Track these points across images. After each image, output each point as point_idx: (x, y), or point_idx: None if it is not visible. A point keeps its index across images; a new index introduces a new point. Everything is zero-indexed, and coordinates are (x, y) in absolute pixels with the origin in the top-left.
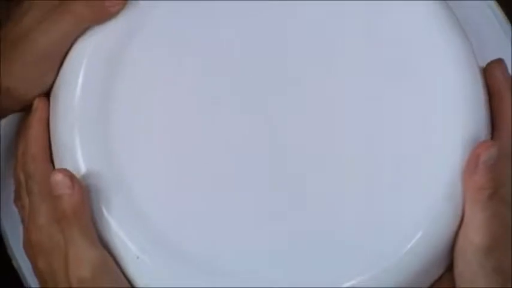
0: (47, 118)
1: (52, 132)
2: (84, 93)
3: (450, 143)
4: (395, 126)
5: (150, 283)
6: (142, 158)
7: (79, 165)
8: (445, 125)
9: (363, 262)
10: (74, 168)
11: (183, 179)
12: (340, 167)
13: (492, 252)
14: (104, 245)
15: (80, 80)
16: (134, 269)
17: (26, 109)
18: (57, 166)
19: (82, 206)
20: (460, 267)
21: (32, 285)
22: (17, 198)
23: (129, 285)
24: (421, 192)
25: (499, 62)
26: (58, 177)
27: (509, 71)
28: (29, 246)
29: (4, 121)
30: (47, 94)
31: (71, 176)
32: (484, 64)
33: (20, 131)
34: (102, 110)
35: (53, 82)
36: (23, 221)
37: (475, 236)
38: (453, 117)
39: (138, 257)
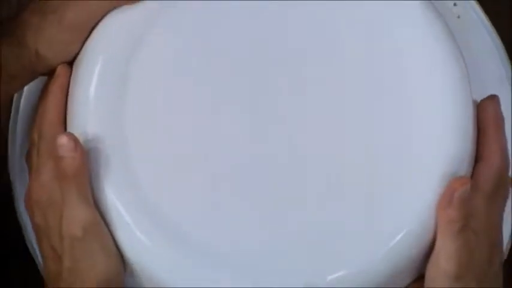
0: (67, 85)
1: (69, 98)
2: (103, 66)
3: (430, 172)
4: (382, 143)
5: (139, 252)
6: (148, 135)
7: (87, 130)
8: (429, 153)
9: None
10: (83, 131)
11: (185, 159)
12: (331, 172)
13: (461, 279)
14: (98, 209)
15: (101, 54)
16: (124, 234)
17: (49, 74)
18: (68, 129)
19: (82, 169)
20: None
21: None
22: (28, 156)
23: (115, 249)
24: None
25: (494, 98)
26: (63, 139)
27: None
28: (29, 201)
29: (26, 87)
30: (70, 63)
31: (75, 140)
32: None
33: (41, 92)
34: (119, 85)
35: (78, 53)
36: (29, 177)
37: (445, 264)
38: (440, 146)
39: (128, 224)
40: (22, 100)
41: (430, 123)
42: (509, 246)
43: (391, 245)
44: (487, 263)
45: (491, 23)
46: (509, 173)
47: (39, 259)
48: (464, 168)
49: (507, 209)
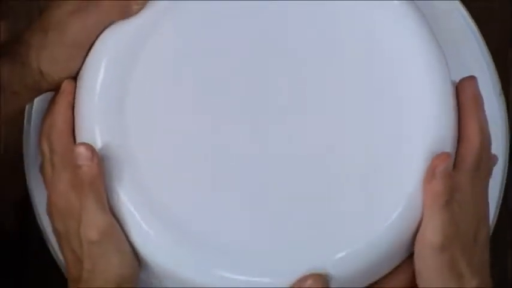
0: (73, 99)
1: (76, 110)
2: (105, 78)
3: (415, 151)
4: (369, 129)
5: (151, 249)
6: (153, 139)
7: (96, 140)
8: (414, 133)
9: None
10: (92, 141)
11: (191, 161)
12: (327, 159)
13: (446, 250)
14: (112, 213)
15: (103, 67)
16: (137, 235)
17: (55, 89)
18: (78, 141)
19: (98, 176)
20: (418, 265)
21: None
22: (42, 167)
23: (131, 250)
24: (389, 191)
25: (471, 78)
26: (80, 149)
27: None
28: (50, 209)
29: (37, 99)
30: (74, 78)
31: (92, 150)
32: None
33: (48, 107)
34: (121, 93)
35: (80, 67)
36: (46, 188)
37: (431, 236)
38: (424, 125)
39: (141, 226)
40: (33, 112)
41: (414, 106)
42: (495, 221)
43: (388, 224)
44: (473, 236)
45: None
46: (491, 150)
47: (62, 262)
48: (449, 147)
49: (495, 186)
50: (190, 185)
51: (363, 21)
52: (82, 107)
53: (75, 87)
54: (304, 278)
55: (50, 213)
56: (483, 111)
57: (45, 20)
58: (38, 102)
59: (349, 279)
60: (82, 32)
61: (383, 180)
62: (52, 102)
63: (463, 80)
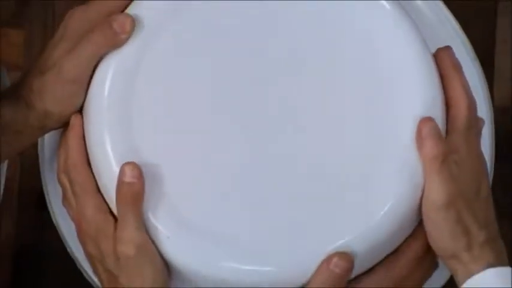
0: (82, 131)
1: (87, 141)
2: (109, 106)
3: (409, 120)
4: (362, 108)
5: (179, 258)
6: (162, 152)
7: (111, 165)
8: (404, 104)
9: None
10: (108, 167)
11: (203, 170)
12: (324, 149)
13: (451, 207)
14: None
15: (106, 96)
16: (166, 247)
17: (61, 127)
18: (93, 168)
19: (140, 195)
20: (428, 228)
21: (85, 268)
22: (65, 199)
23: (163, 262)
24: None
25: (447, 47)
26: (127, 168)
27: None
28: (81, 237)
29: (47, 135)
30: (79, 111)
31: (138, 169)
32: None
33: (60, 143)
34: (126, 117)
35: (83, 101)
36: (72, 218)
37: (435, 195)
38: (412, 97)
39: (168, 237)
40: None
41: (401, 81)
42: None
43: (395, 199)
44: (475, 191)
45: None
46: (477, 109)
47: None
48: (439, 112)
49: (486, 144)
50: (210, 194)
51: (346, 12)
52: (92, 138)
53: (82, 120)
54: (329, 257)
55: (81, 241)
56: (463, 75)
57: (42, 63)
58: (48, 139)
59: (369, 255)
60: (78, 68)
61: (385, 156)
62: (63, 137)
63: (439, 50)
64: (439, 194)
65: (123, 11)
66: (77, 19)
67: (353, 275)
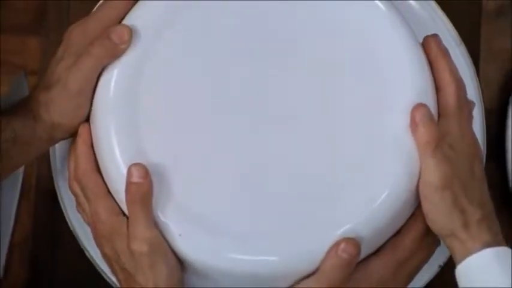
0: (90, 139)
1: (95, 148)
2: (115, 113)
3: (403, 107)
4: (358, 99)
5: (192, 255)
6: (170, 155)
7: (120, 168)
8: (398, 92)
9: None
10: (116, 171)
11: (209, 167)
12: (320, 138)
13: (447, 188)
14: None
15: (110, 104)
16: (179, 244)
17: (68, 137)
18: (103, 173)
19: (149, 194)
20: (425, 209)
21: (103, 268)
22: (78, 206)
23: (176, 258)
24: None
25: (434, 35)
26: (133, 169)
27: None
28: (97, 239)
29: (58, 145)
30: (87, 121)
31: (144, 169)
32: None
33: (69, 152)
34: (131, 122)
35: (89, 111)
36: (87, 222)
37: (431, 178)
38: (402, 85)
39: (180, 235)
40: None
41: (394, 69)
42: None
43: (391, 185)
44: (470, 172)
45: None
46: (466, 90)
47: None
48: (430, 98)
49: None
50: (217, 191)
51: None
52: (100, 145)
53: (90, 129)
54: (337, 243)
55: (97, 243)
56: (451, 60)
57: (47, 78)
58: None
59: (373, 238)
60: (82, 81)
61: (382, 143)
62: (72, 146)
63: (427, 38)
64: (435, 176)
65: (119, 22)
66: (76, 34)
67: (359, 259)
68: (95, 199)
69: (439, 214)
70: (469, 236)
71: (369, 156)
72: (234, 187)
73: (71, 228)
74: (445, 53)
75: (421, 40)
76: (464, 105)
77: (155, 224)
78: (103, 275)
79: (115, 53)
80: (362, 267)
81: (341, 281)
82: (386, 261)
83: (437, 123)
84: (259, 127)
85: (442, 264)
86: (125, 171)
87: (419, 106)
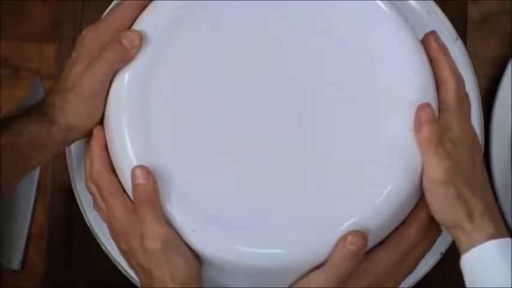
0: (104, 140)
1: (110, 149)
2: (127, 115)
3: (405, 104)
4: (362, 95)
5: (206, 248)
6: (181, 154)
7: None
8: (400, 90)
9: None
10: (130, 169)
11: (219, 165)
12: (326, 136)
13: (451, 182)
14: (168, 224)
15: (123, 106)
16: (192, 239)
17: (83, 138)
18: (118, 173)
19: (154, 193)
20: (430, 201)
21: (120, 263)
22: (95, 204)
23: (190, 252)
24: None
25: (433, 33)
26: (137, 171)
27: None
28: (113, 235)
29: (73, 146)
30: (100, 123)
31: (147, 170)
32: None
33: (85, 154)
34: (144, 122)
35: (103, 114)
36: (105, 220)
37: (435, 173)
38: (405, 82)
39: (194, 231)
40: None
41: (394, 67)
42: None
43: (395, 179)
44: (471, 164)
45: None
46: (465, 86)
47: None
48: (431, 95)
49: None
50: (226, 187)
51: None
52: (114, 146)
53: (103, 130)
54: (344, 236)
55: (114, 239)
56: (450, 56)
57: (62, 82)
58: (75, 149)
59: (379, 230)
60: (95, 85)
61: (386, 139)
62: (88, 147)
63: (426, 35)
64: (438, 171)
65: (130, 27)
66: (89, 39)
67: (367, 249)
68: (110, 198)
69: (444, 207)
70: (474, 227)
71: (373, 151)
72: (243, 183)
73: (88, 225)
74: (445, 49)
75: (419, 37)
76: (463, 99)
77: (168, 222)
78: (120, 269)
79: (126, 58)
80: (369, 258)
81: (349, 272)
82: (392, 251)
83: (438, 121)
84: (266, 125)
85: (443, 251)
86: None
87: (425, 106)
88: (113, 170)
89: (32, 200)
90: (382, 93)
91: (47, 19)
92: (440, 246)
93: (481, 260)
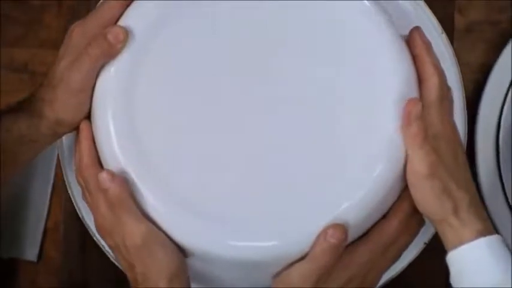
0: (91, 134)
1: (96, 143)
2: (113, 110)
3: (389, 98)
4: (347, 91)
5: (191, 241)
6: (166, 149)
7: (119, 161)
8: (384, 85)
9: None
10: (115, 164)
11: (206, 159)
12: (312, 130)
13: (435, 175)
14: (154, 218)
15: (108, 100)
16: (178, 233)
17: (71, 131)
18: (104, 167)
19: (123, 193)
20: (414, 195)
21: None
22: (84, 197)
23: (173, 244)
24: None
25: (417, 28)
26: (103, 175)
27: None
28: (99, 230)
29: (64, 137)
30: (87, 117)
31: (111, 173)
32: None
33: (74, 147)
34: (129, 117)
35: (90, 107)
36: (92, 213)
37: (419, 167)
38: (389, 78)
39: (180, 225)
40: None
41: (379, 63)
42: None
43: (378, 172)
44: (453, 158)
45: None
46: (447, 81)
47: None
48: (414, 90)
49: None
50: (204, 177)
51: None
52: (100, 139)
53: (90, 124)
54: (324, 230)
55: (99, 233)
56: (433, 52)
57: (51, 76)
58: (66, 141)
59: (360, 223)
60: (82, 80)
61: (369, 133)
62: (76, 141)
63: (411, 31)
64: (422, 166)
65: (115, 23)
66: (76, 34)
67: (348, 242)
68: (95, 193)
69: (429, 201)
70: (460, 222)
71: (356, 144)
72: (228, 177)
73: (79, 215)
74: (428, 46)
75: (405, 32)
76: (445, 95)
77: (153, 216)
78: (108, 256)
79: (111, 53)
80: (351, 250)
81: (330, 264)
82: (374, 244)
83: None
84: (255, 119)
85: (427, 241)
86: (123, 164)
87: (415, 102)
88: (100, 164)
89: (49, 194)
90: (366, 88)
91: (60, 28)
92: (424, 236)
93: (469, 257)
